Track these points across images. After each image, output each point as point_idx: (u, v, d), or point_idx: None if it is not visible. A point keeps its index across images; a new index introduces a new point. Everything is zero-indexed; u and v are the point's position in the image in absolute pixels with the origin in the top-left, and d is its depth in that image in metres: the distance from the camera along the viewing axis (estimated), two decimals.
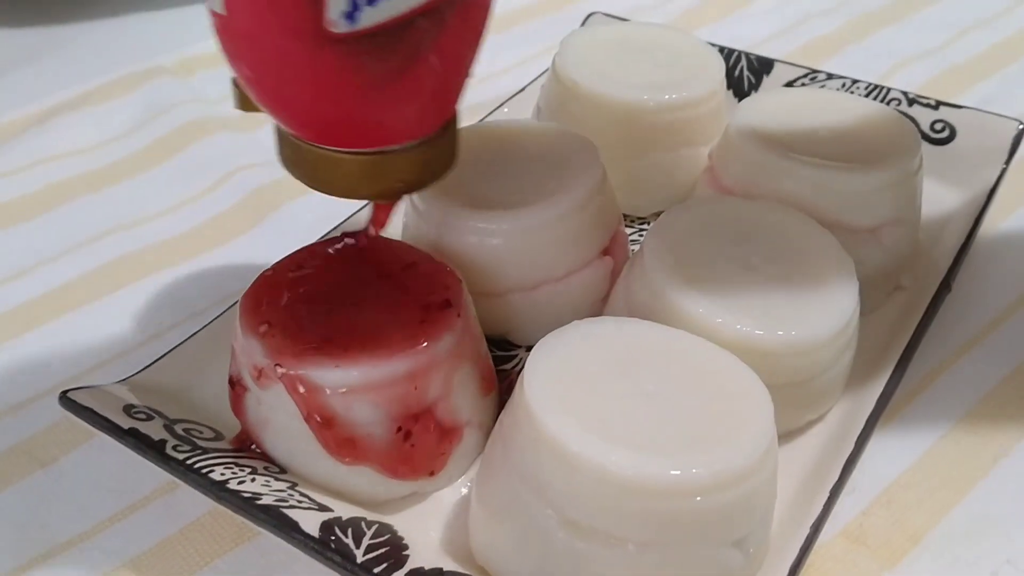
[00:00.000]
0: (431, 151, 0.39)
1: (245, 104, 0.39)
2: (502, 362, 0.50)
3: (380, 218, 0.45)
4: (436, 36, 0.35)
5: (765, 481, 0.37)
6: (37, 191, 0.66)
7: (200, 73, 0.78)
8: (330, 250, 0.46)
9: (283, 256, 0.46)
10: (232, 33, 0.34)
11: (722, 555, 0.37)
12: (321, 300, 0.43)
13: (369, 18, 0.32)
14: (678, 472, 0.35)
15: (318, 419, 0.41)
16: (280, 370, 0.40)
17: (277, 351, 0.40)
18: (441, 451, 0.43)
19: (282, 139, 0.39)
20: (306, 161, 0.38)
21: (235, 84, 0.39)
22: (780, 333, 0.43)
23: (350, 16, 0.32)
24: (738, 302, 0.43)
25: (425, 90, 0.36)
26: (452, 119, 0.40)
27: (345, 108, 0.35)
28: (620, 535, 0.36)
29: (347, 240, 0.46)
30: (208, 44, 0.79)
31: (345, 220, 0.56)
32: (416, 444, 0.42)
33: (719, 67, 0.60)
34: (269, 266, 0.45)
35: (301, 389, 0.40)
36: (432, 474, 0.43)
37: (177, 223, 0.63)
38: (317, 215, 0.62)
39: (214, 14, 0.34)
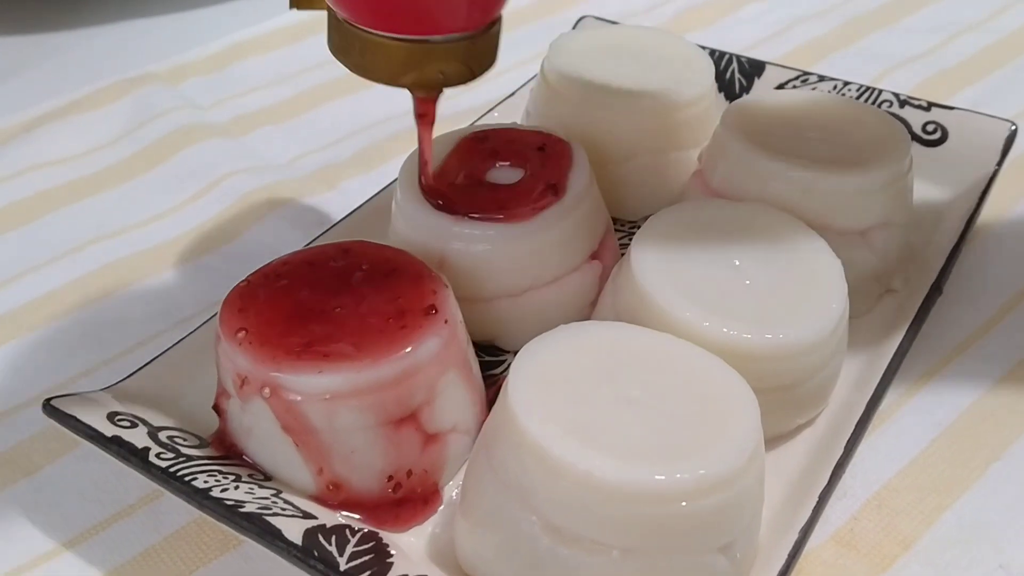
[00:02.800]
0: (472, 47, 0.41)
1: (300, 2, 0.44)
2: (490, 367, 0.50)
3: (423, 110, 0.45)
4: None
5: (751, 486, 0.37)
6: (25, 199, 0.65)
7: (190, 80, 0.78)
8: (316, 255, 0.46)
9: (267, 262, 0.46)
10: None
11: (708, 561, 0.36)
12: (304, 306, 0.42)
13: None
14: (662, 478, 0.34)
15: (297, 430, 0.41)
16: (261, 377, 0.40)
17: (258, 358, 0.40)
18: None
19: (332, 27, 0.42)
20: (353, 47, 0.41)
21: None
22: (768, 337, 0.42)
23: None
24: (726, 306, 0.43)
25: None
26: (496, 21, 0.42)
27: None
28: (605, 541, 0.35)
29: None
30: (198, 51, 0.80)
31: (333, 226, 0.56)
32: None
33: (708, 70, 0.60)
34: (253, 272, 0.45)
35: (282, 396, 0.40)
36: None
37: (164, 230, 0.62)
38: (305, 221, 0.62)
39: None
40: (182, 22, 0.88)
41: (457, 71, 0.42)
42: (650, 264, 0.45)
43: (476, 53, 0.42)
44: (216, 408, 0.45)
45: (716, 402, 0.38)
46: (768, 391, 0.42)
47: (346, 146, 0.71)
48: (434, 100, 0.45)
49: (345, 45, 0.42)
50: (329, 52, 0.43)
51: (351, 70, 0.42)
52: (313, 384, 0.40)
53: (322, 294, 0.43)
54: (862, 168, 0.50)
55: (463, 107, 0.73)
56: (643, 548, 0.35)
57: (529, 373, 0.38)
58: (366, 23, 0.40)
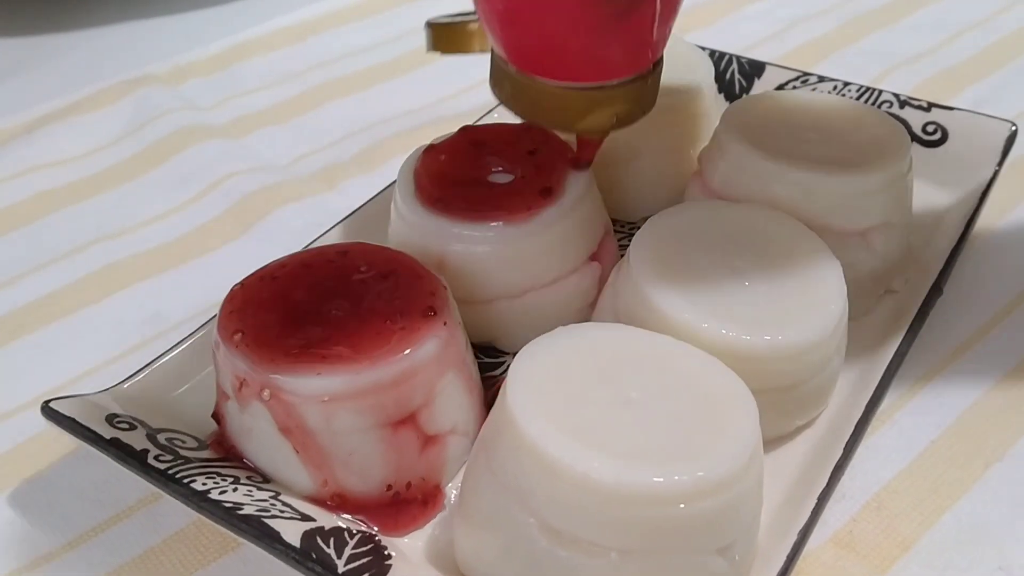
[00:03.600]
0: (644, 87, 0.42)
1: (443, 45, 0.45)
2: (489, 369, 0.50)
3: (586, 155, 0.47)
4: None
5: (750, 488, 0.37)
6: (25, 200, 0.65)
7: (190, 81, 0.78)
8: (314, 257, 0.46)
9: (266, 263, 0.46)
10: None
11: (707, 563, 0.36)
12: (303, 308, 0.43)
13: None
14: (661, 479, 0.34)
15: (295, 432, 0.41)
16: (260, 379, 0.40)
17: (256, 360, 0.40)
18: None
19: (500, 76, 0.42)
20: (527, 96, 0.42)
21: (431, 27, 0.45)
22: (767, 338, 0.42)
23: None
24: (725, 307, 0.43)
25: (652, 22, 0.40)
26: (660, 58, 0.43)
27: (591, 40, 0.39)
28: (603, 543, 0.35)
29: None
30: (199, 52, 0.80)
31: (332, 227, 0.56)
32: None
33: (708, 70, 0.60)
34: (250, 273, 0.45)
35: (280, 398, 0.40)
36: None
37: (165, 231, 0.62)
38: (305, 222, 0.62)
39: None
40: (182, 23, 0.88)
41: (629, 112, 0.43)
42: (649, 265, 0.45)
43: (647, 92, 0.43)
44: (215, 416, 0.45)
45: (715, 404, 0.38)
46: (767, 392, 0.42)
47: (346, 147, 0.71)
48: (600, 141, 0.46)
49: (517, 93, 0.42)
50: (494, 97, 0.44)
51: (522, 117, 0.43)
52: (311, 386, 0.40)
53: (321, 296, 0.43)
54: (862, 169, 0.50)
55: (464, 108, 0.73)
56: (641, 550, 0.35)
57: (528, 375, 0.38)
58: (542, 74, 0.41)
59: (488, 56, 0.46)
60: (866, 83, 0.66)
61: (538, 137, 0.51)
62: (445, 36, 0.45)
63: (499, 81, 0.43)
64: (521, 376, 0.38)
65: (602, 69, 0.41)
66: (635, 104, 0.43)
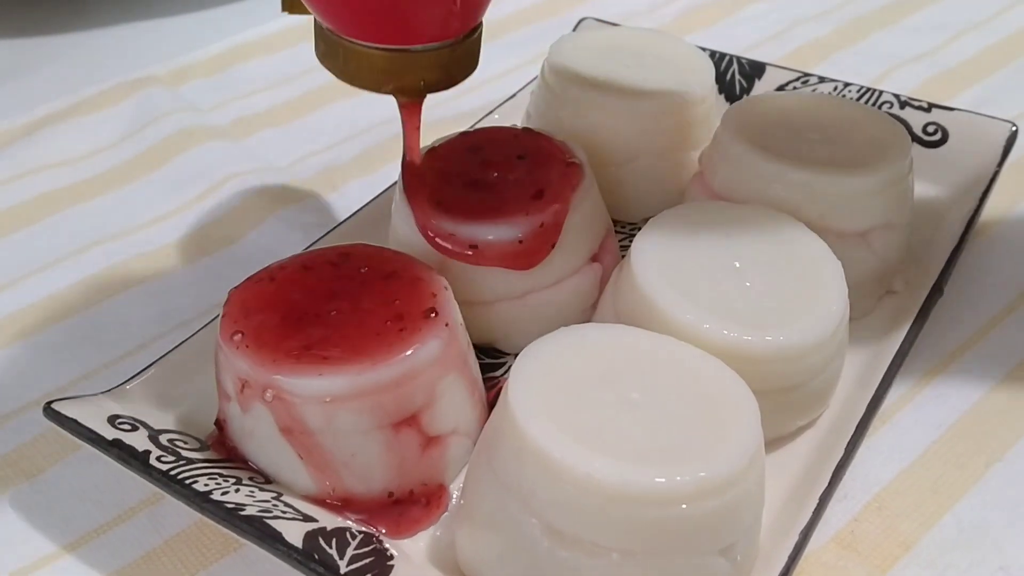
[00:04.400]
0: (453, 55, 0.42)
1: (292, 6, 0.45)
2: (490, 370, 0.50)
3: (407, 120, 0.46)
4: None
5: (751, 488, 0.37)
6: (26, 201, 0.65)
7: (191, 82, 0.78)
8: (315, 258, 0.46)
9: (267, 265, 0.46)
10: None
11: (709, 563, 0.36)
12: (304, 309, 0.43)
13: None
14: (662, 480, 0.34)
15: (297, 433, 0.41)
16: (262, 380, 0.40)
17: (258, 361, 0.40)
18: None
19: (317, 34, 0.43)
20: (337, 54, 0.42)
21: None
22: (768, 339, 0.42)
23: None
24: (726, 307, 0.43)
25: None
26: (476, 28, 0.43)
27: (392, 2, 0.39)
28: (605, 544, 0.35)
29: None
30: (200, 53, 0.80)
31: (334, 228, 0.56)
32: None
33: (709, 71, 0.60)
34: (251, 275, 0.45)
35: (282, 398, 0.40)
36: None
37: (165, 232, 0.62)
38: (306, 223, 0.62)
39: None
40: (183, 24, 0.88)
41: (438, 78, 0.43)
42: (650, 266, 0.45)
43: (457, 60, 0.43)
44: (218, 423, 0.45)
45: (716, 404, 0.38)
46: (769, 393, 0.42)
47: (347, 148, 0.71)
48: (418, 105, 0.46)
49: (330, 52, 0.43)
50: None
51: (336, 76, 0.43)
52: (313, 387, 0.40)
53: (322, 297, 0.43)
54: (862, 170, 0.50)
55: (465, 109, 0.73)
56: (643, 551, 0.35)
57: (529, 376, 0.38)
58: (349, 33, 0.41)
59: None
60: (867, 84, 0.66)
61: (530, 142, 0.52)
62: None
63: (316, 39, 0.43)
64: (522, 377, 0.38)
65: (404, 33, 0.41)
66: (443, 71, 0.43)
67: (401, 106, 0.45)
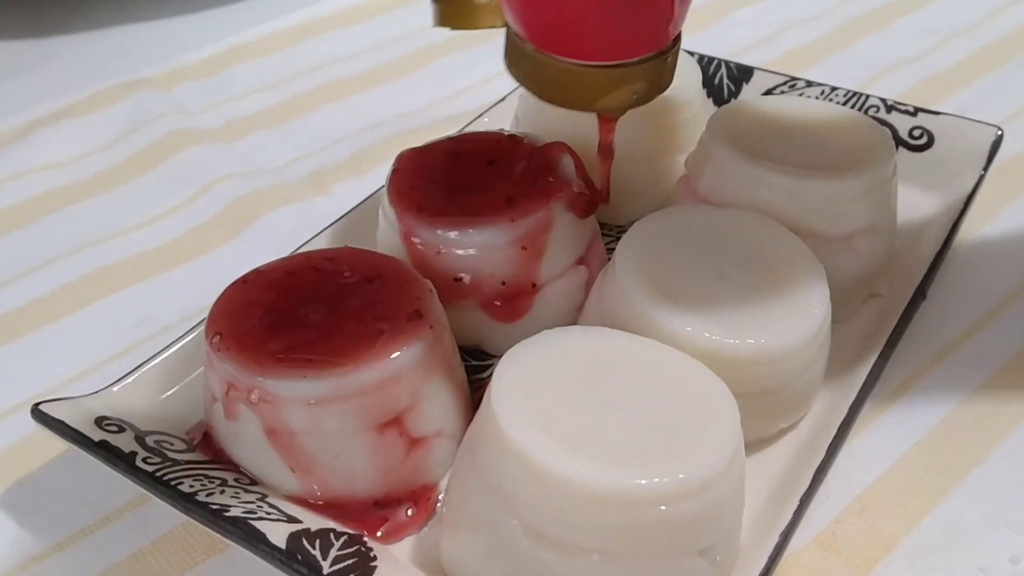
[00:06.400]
0: (662, 65, 0.42)
1: (451, 20, 0.44)
2: (477, 372, 0.50)
3: (605, 135, 0.47)
4: None
5: (731, 490, 0.37)
6: (18, 204, 0.66)
7: (182, 85, 0.79)
8: (301, 262, 0.46)
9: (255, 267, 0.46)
10: None
11: (688, 564, 0.37)
12: (290, 312, 0.43)
13: None
14: (642, 482, 0.35)
15: (282, 435, 0.41)
16: (247, 382, 0.40)
17: (244, 363, 0.40)
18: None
19: (517, 54, 0.42)
20: (545, 75, 0.41)
21: (437, 1, 0.44)
22: (750, 341, 0.43)
23: None
24: (709, 311, 0.44)
25: (669, 2, 0.40)
26: (679, 34, 0.43)
27: (609, 18, 0.39)
28: (586, 545, 0.36)
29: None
30: (191, 56, 0.81)
31: (324, 230, 0.56)
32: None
33: (696, 76, 0.60)
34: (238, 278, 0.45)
35: (267, 401, 0.40)
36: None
37: (156, 235, 0.63)
38: (296, 225, 0.62)
39: None
40: (175, 27, 0.88)
41: (648, 89, 0.43)
42: (634, 269, 0.45)
43: (665, 70, 0.43)
44: (202, 424, 0.45)
45: (697, 407, 0.38)
46: (750, 395, 0.42)
47: (338, 151, 0.71)
48: (617, 118, 0.46)
49: (535, 72, 0.42)
50: (508, 75, 0.44)
51: (539, 96, 0.43)
52: (298, 389, 0.40)
53: (308, 300, 0.43)
54: (846, 174, 0.50)
55: (455, 112, 0.73)
56: (623, 552, 0.36)
57: (512, 378, 0.38)
58: (563, 53, 0.41)
59: (501, 33, 0.45)
60: (856, 87, 0.66)
61: (517, 147, 0.52)
62: (452, 11, 0.44)
63: (515, 60, 0.43)
64: (505, 380, 0.38)
65: (622, 47, 0.40)
66: (654, 82, 0.43)
67: (601, 120, 0.46)
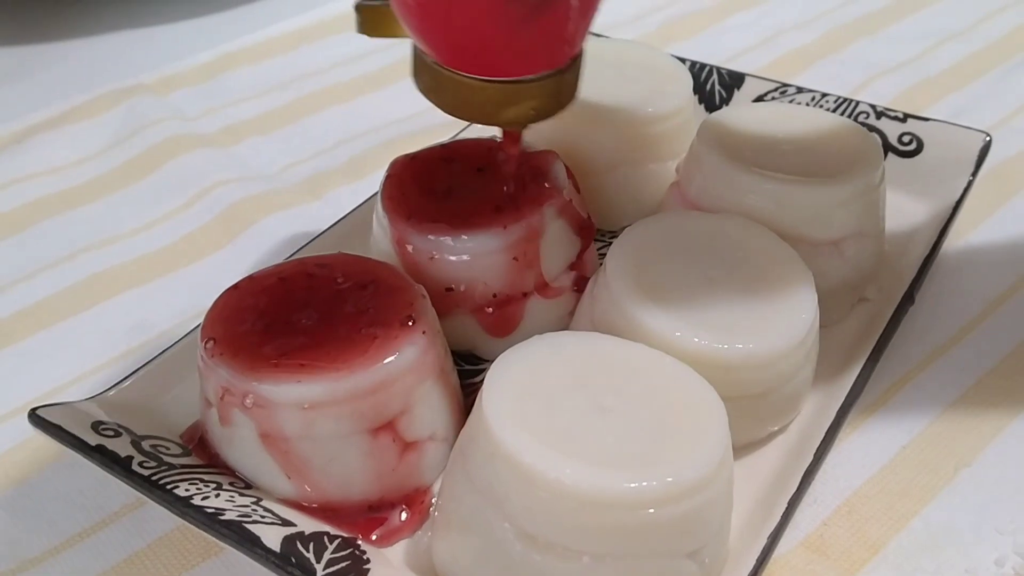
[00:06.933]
0: (562, 81, 0.43)
1: (370, 28, 0.45)
2: (469, 376, 0.51)
3: (510, 148, 0.48)
4: None
5: (719, 493, 0.38)
6: (14, 209, 0.66)
7: (179, 91, 0.79)
8: (295, 268, 0.46)
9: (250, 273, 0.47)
10: None
11: (677, 566, 0.37)
12: (284, 317, 0.43)
13: None
14: (632, 485, 0.35)
15: (276, 439, 0.42)
16: (242, 387, 0.41)
17: (238, 368, 0.41)
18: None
19: (421, 67, 0.43)
20: (446, 88, 0.42)
21: (359, 10, 0.45)
22: (739, 346, 0.43)
23: None
24: (698, 315, 0.44)
25: (569, 20, 0.40)
26: (580, 53, 0.44)
27: (504, 37, 0.39)
28: (576, 547, 0.36)
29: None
30: (188, 61, 0.81)
31: (319, 236, 0.56)
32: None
33: (687, 82, 0.61)
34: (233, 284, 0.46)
35: (261, 405, 0.41)
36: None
37: (153, 240, 0.63)
38: (292, 230, 0.62)
39: None
40: (171, 33, 0.89)
41: (547, 105, 0.43)
42: (625, 274, 0.46)
43: (565, 86, 0.44)
44: (196, 427, 0.46)
45: (686, 411, 0.39)
46: (739, 399, 0.43)
47: (334, 156, 0.71)
48: (520, 133, 0.48)
49: (436, 86, 0.43)
50: (415, 88, 0.45)
51: (441, 109, 0.43)
52: (292, 393, 0.40)
53: (302, 306, 0.44)
54: (834, 180, 0.51)
55: (449, 118, 0.73)
56: (613, 554, 0.36)
57: (504, 382, 0.39)
58: (461, 67, 0.41)
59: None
60: (847, 92, 0.67)
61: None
62: (372, 19, 0.46)
63: (419, 72, 0.44)
64: (497, 384, 0.39)
65: (518, 65, 0.41)
66: (552, 98, 0.43)
67: (505, 134, 0.47)
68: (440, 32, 0.41)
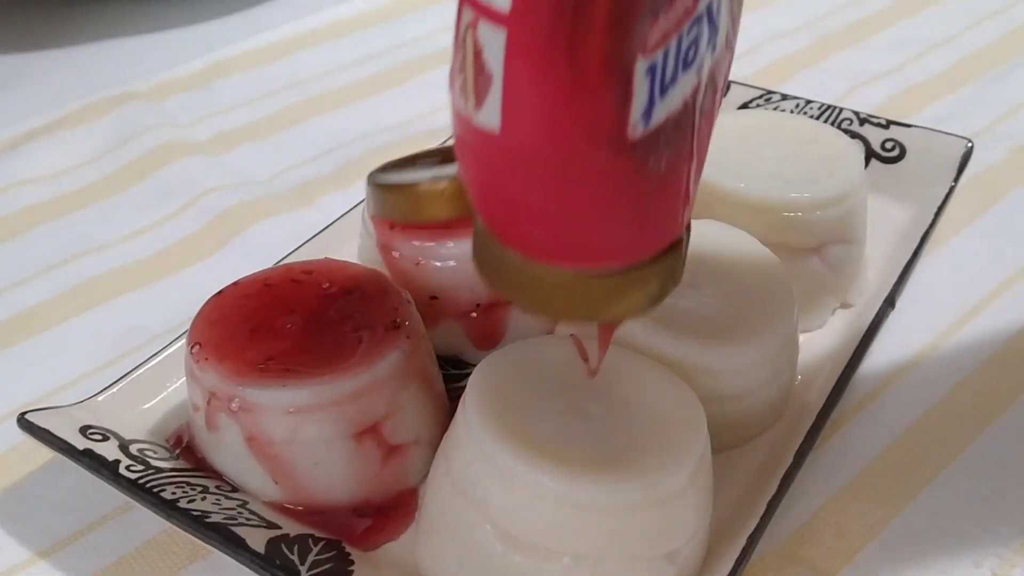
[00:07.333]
0: (676, 256, 0.34)
1: (401, 214, 0.38)
2: (455, 380, 0.51)
3: (604, 343, 0.39)
4: (696, 122, 0.31)
5: (697, 496, 0.38)
6: (7, 215, 0.67)
7: (173, 97, 0.79)
8: (280, 275, 0.47)
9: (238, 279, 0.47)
10: (504, 151, 0.29)
11: (655, 567, 0.38)
12: (270, 323, 0.44)
13: (660, 114, 0.28)
14: (611, 488, 0.36)
15: (262, 443, 0.42)
16: (228, 391, 0.41)
17: (224, 373, 0.42)
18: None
19: (492, 256, 0.33)
20: (533, 284, 0.32)
21: (379, 188, 0.37)
22: (719, 350, 0.44)
23: (647, 115, 0.28)
24: (680, 319, 0.45)
25: (687, 185, 0.32)
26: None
27: (624, 220, 0.30)
28: (556, 548, 0.37)
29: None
30: (180, 69, 0.82)
31: (306, 242, 0.57)
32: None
33: None
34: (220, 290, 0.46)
35: (247, 409, 0.41)
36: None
37: (144, 246, 0.64)
38: (282, 236, 0.63)
39: (478, 132, 0.29)
40: (164, 41, 0.89)
41: (662, 289, 0.34)
42: None
43: (679, 262, 0.34)
44: (182, 432, 0.47)
45: (665, 415, 0.40)
46: (720, 403, 0.43)
47: (325, 163, 0.72)
48: (617, 325, 0.39)
49: (517, 279, 0.33)
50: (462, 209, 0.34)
51: (525, 310, 0.35)
52: (278, 398, 0.41)
53: (288, 311, 0.45)
54: (816, 186, 0.52)
55: (440, 125, 0.74)
56: (592, 555, 0.37)
57: (487, 386, 0.40)
58: (559, 261, 0.32)
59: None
60: (834, 100, 0.67)
61: None
62: (410, 201, 0.36)
63: (488, 262, 0.33)
64: (480, 387, 0.40)
65: (634, 248, 0.32)
66: (668, 278, 0.34)
67: (603, 327, 0.38)
68: (542, 225, 0.31)
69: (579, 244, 0.31)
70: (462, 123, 0.29)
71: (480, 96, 0.28)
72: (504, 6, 0.26)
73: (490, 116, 0.28)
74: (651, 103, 0.28)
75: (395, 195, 0.37)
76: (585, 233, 0.31)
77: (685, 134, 0.30)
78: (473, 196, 0.32)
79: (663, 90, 0.28)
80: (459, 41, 0.28)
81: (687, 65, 0.29)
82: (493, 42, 0.27)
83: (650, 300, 0.34)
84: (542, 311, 0.35)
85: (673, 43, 0.28)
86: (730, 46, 0.33)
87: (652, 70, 0.27)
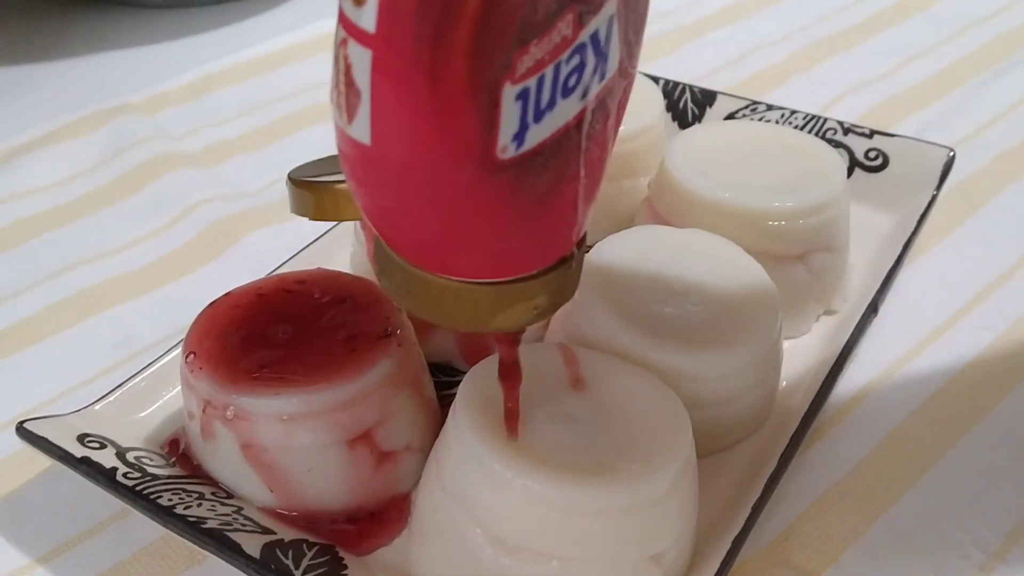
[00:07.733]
0: (567, 273, 0.35)
1: (315, 211, 0.39)
2: (447, 387, 0.52)
3: (507, 354, 0.39)
4: (583, 146, 0.31)
5: (682, 500, 0.39)
6: (3, 228, 0.67)
7: (165, 110, 0.80)
8: (273, 285, 0.48)
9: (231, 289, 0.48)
10: (375, 163, 0.30)
11: (640, 569, 0.39)
12: (263, 332, 0.45)
13: (534, 137, 0.29)
14: (597, 492, 0.37)
15: (256, 450, 0.43)
16: (222, 400, 0.42)
17: (218, 382, 0.42)
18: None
19: (388, 263, 0.34)
20: (426, 292, 0.33)
21: (296, 185, 0.39)
22: (704, 357, 0.45)
23: (519, 138, 0.28)
24: (665, 327, 0.46)
25: (573, 206, 0.33)
26: (583, 237, 0.36)
27: (500, 235, 0.31)
28: (545, 552, 0.38)
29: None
30: (173, 81, 0.82)
31: (299, 252, 0.58)
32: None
33: (658, 102, 0.62)
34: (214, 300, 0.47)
35: (241, 417, 0.42)
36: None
37: (138, 257, 0.64)
38: (274, 246, 0.63)
39: (352, 144, 0.30)
40: (157, 54, 0.90)
41: (551, 302, 0.35)
42: (596, 288, 0.47)
43: (569, 278, 0.35)
44: (176, 439, 0.47)
45: (651, 421, 0.40)
46: (705, 408, 0.44)
47: None
48: (519, 337, 0.38)
49: (411, 287, 0.34)
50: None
51: (417, 314, 0.35)
52: (271, 406, 0.42)
53: (281, 320, 0.45)
54: (800, 194, 0.52)
55: None
56: (579, 557, 0.38)
57: (477, 391, 0.41)
58: (443, 271, 0.33)
59: None
60: (819, 109, 0.68)
61: None
62: (318, 200, 0.38)
63: (385, 269, 0.34)
64: (470, 393, 0.41)
65: (519, 261, 0.33)
66: (557, 293, 0.35)
67: (500, 339, 0.38)
68: (419, 235, 0.32)
69: (455, 255, 0.32)
70: (339, 133, 0.30)
71: (351, 111, 0.29)
72: (369, 27, 0.27)
73: (361, 130, 0.29)
74: (523, 127, 0.28)
75: (315, 193, 0.39)
76: (459, 246, 0.32)
77: (569, 157, 0.31)
78: (357, 202, 0.33)
79: (538, 115, 0.29)
80: (335, 56, 0.29)
81: (568, 91, 0.29)
82: (361, 61, 0.27)
83: (538, 312, 0.34)
84: (430, 317, 0.35)
85: (549, 71, 0.28)
86: (625, 74, 0.33)
87: (524, 95, 0.28)
